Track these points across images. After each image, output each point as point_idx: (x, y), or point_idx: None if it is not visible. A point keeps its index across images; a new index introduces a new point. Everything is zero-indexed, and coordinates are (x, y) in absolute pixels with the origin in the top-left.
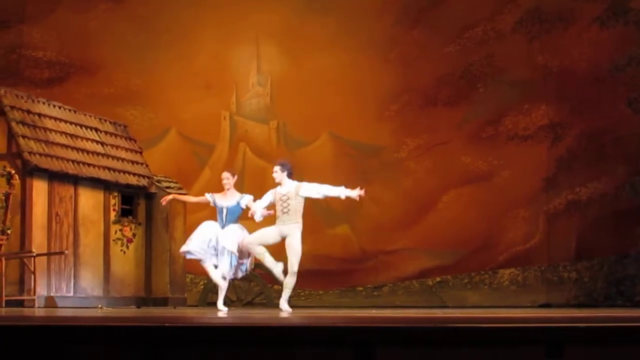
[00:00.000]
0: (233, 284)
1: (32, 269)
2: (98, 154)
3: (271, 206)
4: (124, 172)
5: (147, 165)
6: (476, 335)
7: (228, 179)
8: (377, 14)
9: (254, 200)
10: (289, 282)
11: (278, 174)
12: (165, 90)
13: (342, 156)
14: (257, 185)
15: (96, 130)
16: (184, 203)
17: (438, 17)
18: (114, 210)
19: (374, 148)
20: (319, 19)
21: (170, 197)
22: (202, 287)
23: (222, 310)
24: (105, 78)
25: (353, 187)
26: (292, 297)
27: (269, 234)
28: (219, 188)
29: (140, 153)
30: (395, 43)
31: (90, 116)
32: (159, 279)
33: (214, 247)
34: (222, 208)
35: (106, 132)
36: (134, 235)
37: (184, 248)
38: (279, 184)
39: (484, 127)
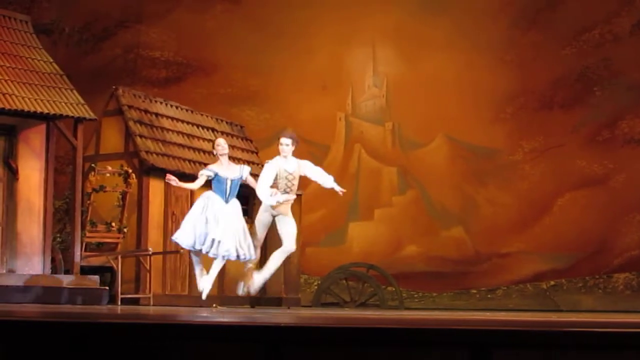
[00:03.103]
0: (347, 285)
1: (148, 267)
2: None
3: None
4: None
5: (262, 166)
6: (593, 339)
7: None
8: (493, 15)
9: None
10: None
11: (289, 147)
12: (281, 90)
13: (457, 158)
14: (372, 186)
15: (213, 130)
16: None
17: (554, 19)
18: None
19: (489, 150)
20: (434, 20)
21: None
22: (315, 287)
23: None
24: (221, 78)
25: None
26: (406, 298)
27: (265, 220)
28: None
29: (257, 153)
30: (511, 45)
31: (206, 116)
32: (273, 279)
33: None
34: (225, 179)
35: (223, 132)
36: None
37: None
38: (283, 157)
39: (600, 130)
